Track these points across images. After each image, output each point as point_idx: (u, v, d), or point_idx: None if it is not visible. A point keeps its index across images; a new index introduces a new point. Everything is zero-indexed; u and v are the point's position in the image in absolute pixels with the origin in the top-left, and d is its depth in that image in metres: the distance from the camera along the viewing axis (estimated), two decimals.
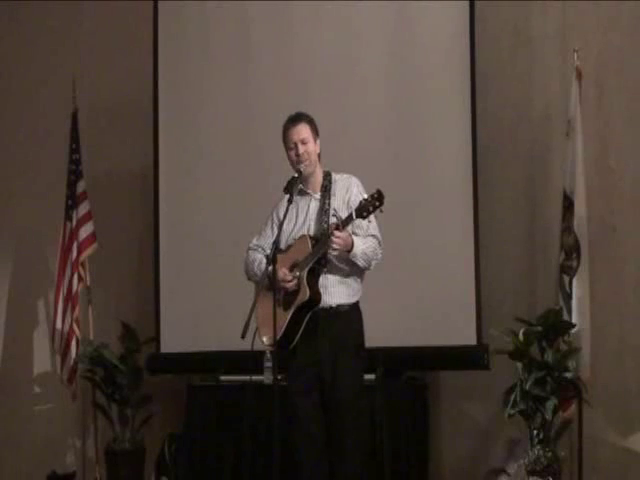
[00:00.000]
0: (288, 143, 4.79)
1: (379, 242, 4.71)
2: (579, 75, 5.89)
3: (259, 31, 6.54)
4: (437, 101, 6.11)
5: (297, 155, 4.75)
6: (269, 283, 4.63)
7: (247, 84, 6.55)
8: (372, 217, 4.65)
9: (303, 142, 4.75)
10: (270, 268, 4.57)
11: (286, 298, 4.65)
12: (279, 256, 4.62)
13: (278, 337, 4.54)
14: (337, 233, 4.50)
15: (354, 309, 4.75)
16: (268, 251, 4.70)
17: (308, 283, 4.59)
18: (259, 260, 4.83)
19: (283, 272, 4.62)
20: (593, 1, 6.19)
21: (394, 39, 6.22)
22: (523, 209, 6.30)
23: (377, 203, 4.43)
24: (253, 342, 4.46)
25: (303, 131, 4.77)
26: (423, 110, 6.13)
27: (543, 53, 6.32)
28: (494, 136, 6.25)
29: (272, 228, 4.84)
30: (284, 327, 4.61)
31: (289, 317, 4.61)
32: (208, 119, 6.64)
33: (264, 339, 4.67)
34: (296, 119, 4.80)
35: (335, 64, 6.30)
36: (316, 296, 4.62)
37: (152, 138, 6.79)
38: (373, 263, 4.70)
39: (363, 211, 4.45)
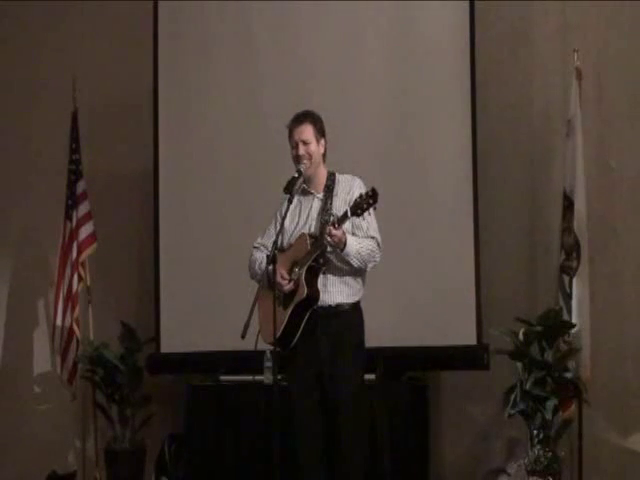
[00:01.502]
0: (291, 142, 4.80)
1: (378, 244, 4.69)
2: (579, 75, 5.90)
3: (259, 31, 6.54)
4: (437, 101, 6.11)
5: (296, 155, 4.76)
6: (269, 282, 4.63)
7: (247, 84, 6.55)
8: (372, 219, 4.66)
9: (304, 143, 4.75)
10: (270, 268, 4.58)
11: (286, 297, 4.65)
12: (280, 255, 4.63)
13: (278, 335, 4.55)
14: (333, 231, 4.50)
15: (354, 309, 4.75)
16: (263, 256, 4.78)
17: (306, 281, 4.59)
18: (260, 259, 4.84)
19: (280, 273, 4.63)
20: (593, 1, 6.19)
21: (394, 39, 6.22)
22: (523, 209, 6.31)
23: (371, 201, 4.42)
24: (257, 342, 4.46)
25: (305, 132, 4.76)
26: (423, 110, 6.13)
27: (543, 53, 6.32)
28: (494, 136, 6.25)
29: (275, 227, 4.85)
30: (284, 325, 4.60)
31: (288, 315, 4.62)
32: (208, 119, 6.64)
33: (266, 338, 4.67)
34: (300, 118, 4.80)
35: (335, 64, 6.30)
36: (314, 294, 4.61)
37: (152, 138, 6.78)
38: (369, 265, 4.69)
39: (357, 209, 4.45)
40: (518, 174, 6.32)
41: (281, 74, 6.43)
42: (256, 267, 4.85)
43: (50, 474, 7.04)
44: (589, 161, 5.93)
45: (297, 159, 4.76)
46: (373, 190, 4.43)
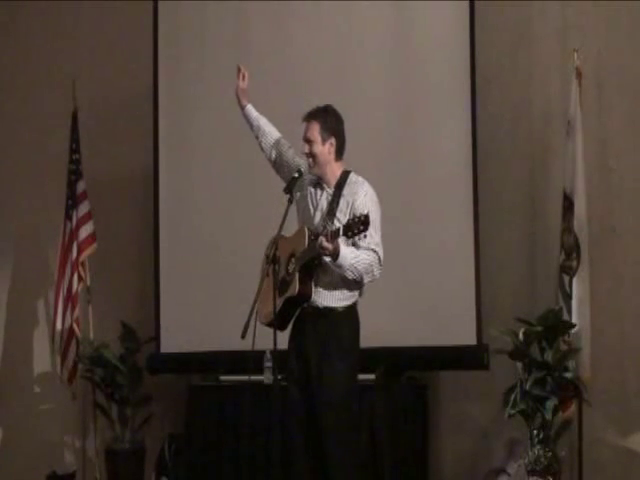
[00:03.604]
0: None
1: (379, 259, 4.59)
2: (579, 75, 5.90)
3: (259, 31, 6.55)
4: (437, 101, 6.11)
5: (303, 153, 4.75)
6: (269, 267, 4.60)
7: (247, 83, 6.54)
8: (376, 232, 4.56)
9: (307, 141, 4.71)
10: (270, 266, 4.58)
11: (282, 285, 4.63)
12: (282, 239, 4.62)
13: (271, 319, 4.57)
14: (324, 244, 4.42)
15: (346, 312, 4.67)
16: (271, 140, 4.97)
17: (299, 279, 4.56)
18: (265, 125, 5.03)
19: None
20: (593, 1, 6.20)
21: (394, 39, 6.22)
22: (523, 209, 6.31)
23: (361, 227, 4.32)
24: (254, 342, 4.45)
25: (309, 130, 4.72)
26: (423, 110, 6.13)
27: (543, 53, 6.32)
28: (494, 136, 6.25)
29: (293, 160, 4.89)
30: (278, 309, 4.57)
31: (281, 304, 4.61)
32: (208, 119, 6.64)
33: (261, 318, 4.68)
34: (308, 116, 4.75)
35: (335, 64, 6.30)
36: (306, 292, 4.58)
37: (152, 138, 6.79)
38: (366, 279, 4.59)
39: (348, 231, 4.36)
40: (518, 174, 6.32)
41: (281, 74, 6.43)
42: (257, 121, 5.06)
43: (50, 474, 7.04)
44: (589, 161, 5.93)
45: (305, 157, 4.76)
46: (366, 217, 4.33)
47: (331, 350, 4.61)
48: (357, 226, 4.34)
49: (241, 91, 5.10)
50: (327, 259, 4.54)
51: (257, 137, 5.06)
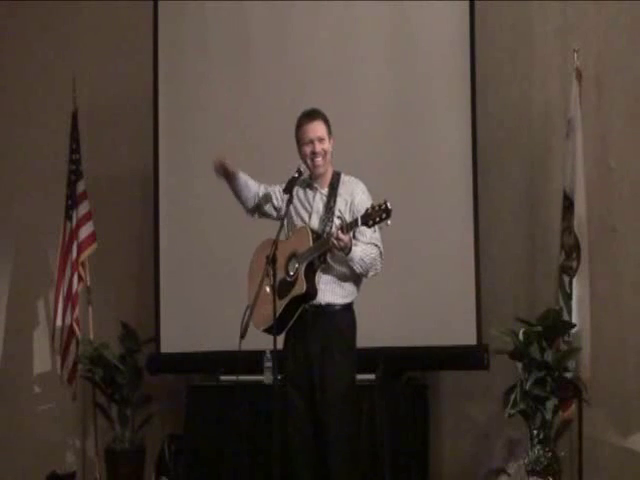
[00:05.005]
0: (303, 139, 4.73)
1: (380, 253, 4.66)
2: (579, 75, 5.89)
3: (259, 31, 6.55)
4: (437, 101, 6.11)
5: (313, 153, 4.70)
6: (268, 267, 4.59)
7: (247, 84, 6.55)
8: (376, 227, 4.59)
9: (320, 139, 4.71)
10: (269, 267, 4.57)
11: (281, 287, 4.62)
12: (280, 243, 4.60)
13: (269, 325, 4.57)
14: (340, 235, 4.46)
15: (345, 310, 4.71)
16: (257, 194, 4.89)
17: (306, 277, 4.58)
18: (253, 184, 4.91)
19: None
20: (593, 1, 6.20)
21: (394, 39, 6.22)
22: (523, 209, 6.31)
23: (384, 215, 4.37)
24: (240, 343, 4.42)
25: (320, 128, 4.72)
26: (423, 110, 6.13)
27: (543, 53, 6.32)
28: (494, 136, 6.25)
29: (275, 197, 4.85)
30: (279, 314, 4.57)
31: (283, 307, 4.61)
32: (208, 119, 6.64)
33: (257, 324, 4.67)
34: (313, 115, 4.75)
35: (334, 64, 6.30)
36: (312, 290, 4.60)
37: (152, 138, 6.79)
38: (370, 273, 4.65)
39: (369, 219, 4.40)
40: (518, 174, 6.32)
41: (280, 74, 6.43)
42: (244, 179, 4.91)
43: (50, 474, 7.04)
44: (589, 161, 5.93)
45: (313, 156, 4.71)
46: (387, 205, 4.36)
47: (333, 347, 4.65)
48: (379, 214, 4.38)
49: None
50: (330, 253, 4.56)
51: (239, 194, 4.95)
